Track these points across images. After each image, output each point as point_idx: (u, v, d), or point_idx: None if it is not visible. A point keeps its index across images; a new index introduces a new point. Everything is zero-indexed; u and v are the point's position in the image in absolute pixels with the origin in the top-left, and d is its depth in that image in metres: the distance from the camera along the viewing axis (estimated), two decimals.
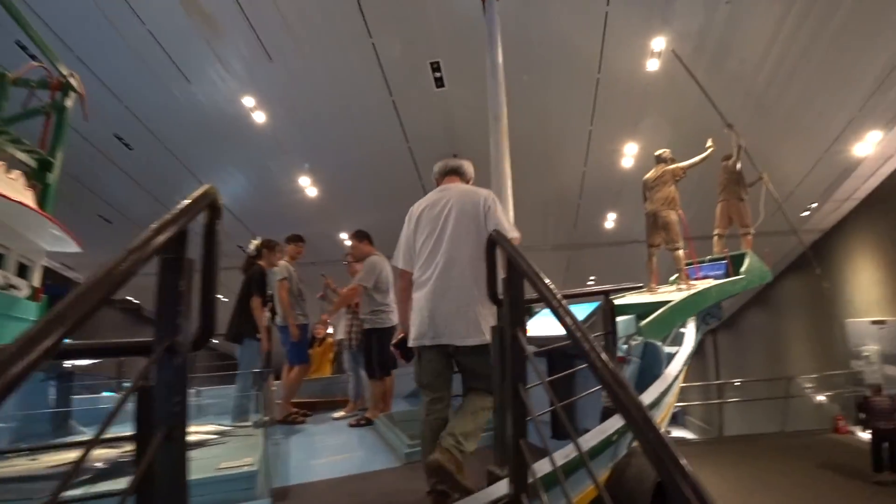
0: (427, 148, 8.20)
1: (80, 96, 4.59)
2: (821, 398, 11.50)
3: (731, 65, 6.97)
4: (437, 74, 6.80)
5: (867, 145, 8.73)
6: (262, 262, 4.57)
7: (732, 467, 7.93)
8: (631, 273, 12.96)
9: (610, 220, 10.73)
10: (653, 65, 6.78)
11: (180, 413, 1.07)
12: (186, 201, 1.16)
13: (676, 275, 6.36)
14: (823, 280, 10.54)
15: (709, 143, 5.95)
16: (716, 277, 5.75)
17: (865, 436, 8.09)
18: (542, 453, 1.59)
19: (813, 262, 10.02)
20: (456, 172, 2.66)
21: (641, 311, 4.49)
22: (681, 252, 5.20)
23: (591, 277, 12.86)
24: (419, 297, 2.28)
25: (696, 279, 5.61)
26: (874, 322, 10.54)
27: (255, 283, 4.45)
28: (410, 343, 2.31)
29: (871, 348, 10.72)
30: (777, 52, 6.90)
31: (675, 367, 3.07)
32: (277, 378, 5.09)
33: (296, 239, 4.87)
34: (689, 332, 4.02)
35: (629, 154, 8.65)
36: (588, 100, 7.44)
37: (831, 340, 11.84)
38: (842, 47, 6.73)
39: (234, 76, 7.01)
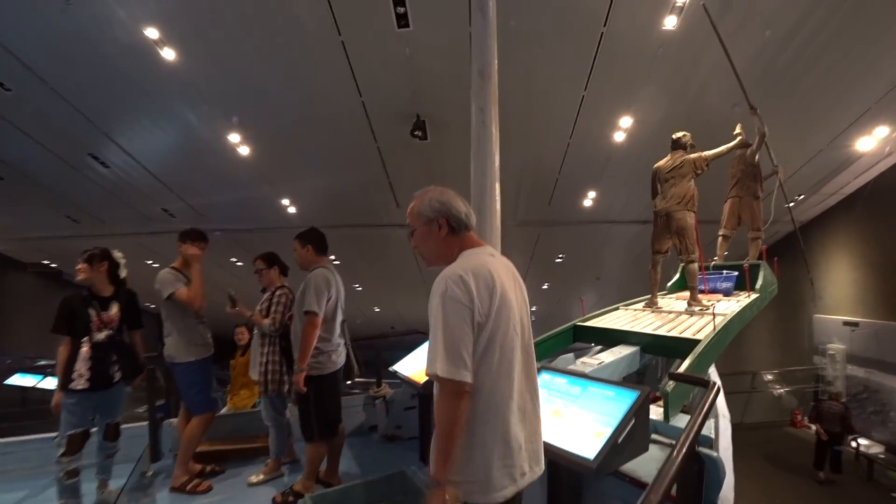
0: (384, 103, 6.68)
1: None
2: (781, 391, 11.42)
3: (758, 35, 5.81)
4: (401, 9, 5.23)
5: (871, 140, 8.20)
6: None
7: None
8: (601, 255, 12.43)
9: (588, 199, 9.70)
10: (671, 22, 5.50)
11: None
12: None
13: (672, 282, 5.48)
14: (811, 277, 10.21)
15: (737, 129, 4.88)
16: (725, 292, 4.83)
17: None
18: None
19: (807, 266, 9.56)
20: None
21: (647, 343, 3.49)
22: (695, 266, 4.16)
23: (560, 255, 12.03)
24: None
25: (704, 293, 4.66)
26: (847, 323, 10.32)
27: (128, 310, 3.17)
28: None
29: (836, 347, 10.62)
30: (808, 30, 5.85)
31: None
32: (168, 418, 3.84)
33: (194, 237, 3.35)
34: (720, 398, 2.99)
35: (622, 128, 7.49)
36: (587, 59, 6.12)
37: (796, 335, 11.72)
38: (870, 39, 6.01)
39: None
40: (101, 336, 2.97)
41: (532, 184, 8.92)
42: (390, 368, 3.72)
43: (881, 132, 8.07)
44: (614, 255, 12.27)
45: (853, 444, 8.39)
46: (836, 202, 10.67)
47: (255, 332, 3.50)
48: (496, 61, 2.92)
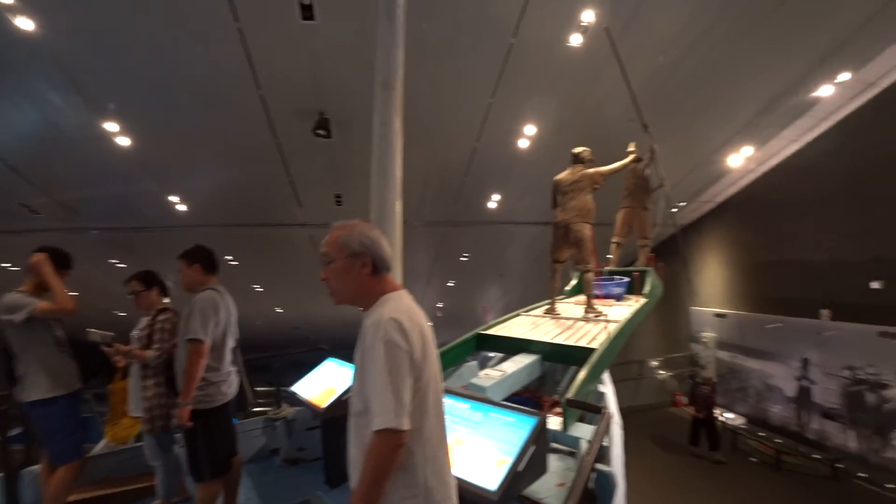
0: (286, 98, 6.26)
1: None
2: (664, 375, 12.69)
3: (652, 59, 6.34)
4: (306, 1, 4.93)
5: (739, 157, 9.45)
6: None
7: None
8: (505, 254, 12.88)
9: (493, 201, 9.96)
10: (576, 39, 5.77)
11: None
12: None
13: (570, 286, 5.81)
14: (690, 275, 11.39)
15: (631, 146, 5.26)
16: (617, 298, 5.21)
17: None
18: None
19: (688, 267, 10.67)
20: None
21: (547, 351, 3.64)
22: (591, 275, 4.42)
23: (465, 254, 12.26)
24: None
25: (599, 298, 4.98)
26: (717, 314, 11.71)
27: None
28: None
29: (708, 335, 11.98)
30: (693, 59, 6.55)
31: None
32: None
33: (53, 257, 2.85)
34: (611, 400, 3.21)
35: (526, 135, 7.76)
36: (495, 67, 6.23)
37: (676, 325, 13.04)
38: (742, 71, 6.92)
39: None
40: None
41: (439, 185, 8.96)
42: (290, 389, 3.51)
43: (747, 151, 9.33)
44: (517, 254, 12.75)
45: (720, 419, 9.49)
46: (710, 209, 12.01)
47: (135, 363, 3.10)
48: (402, 72, 2.83)
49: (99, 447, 4.16)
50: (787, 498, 7.29)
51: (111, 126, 6.33)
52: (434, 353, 1.56)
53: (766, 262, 10.50)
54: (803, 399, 9.26)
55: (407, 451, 1.40)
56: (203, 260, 2.93)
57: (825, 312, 8.80)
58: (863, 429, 8.06)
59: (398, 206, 2.71)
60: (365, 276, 1.55)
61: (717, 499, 7.36)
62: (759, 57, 6.68)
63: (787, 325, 9.62)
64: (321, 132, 6.42)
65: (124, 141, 6.56)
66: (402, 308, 1.50)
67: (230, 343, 2.93)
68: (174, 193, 7.81)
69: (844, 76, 7.31)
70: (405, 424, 1.36)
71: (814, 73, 7.22)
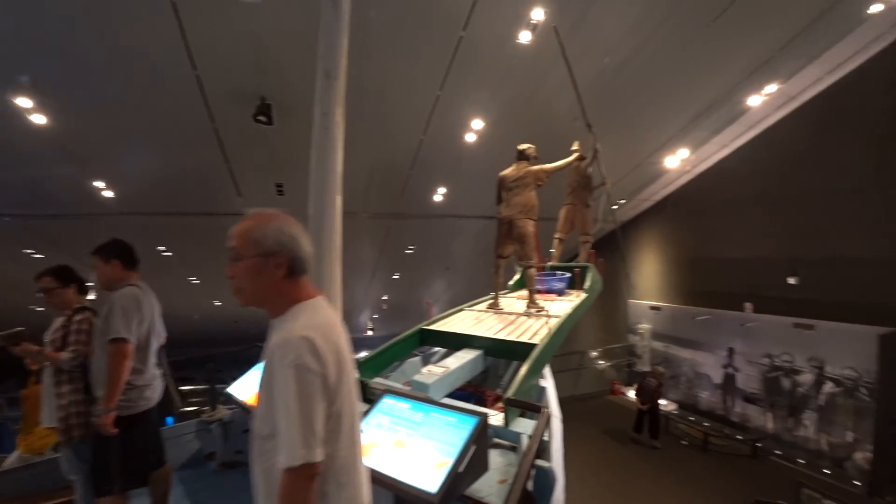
0: (224, 81, 5.88)
1: None
2: (603, 365, 13.27)
3: (598, 61, 6.53)
4: None
5: (675, 159, 9.99)
6: None
7: None
8: (451, 247, 12.93)
9: (439, 194, 9.94)
10: (525, 37, 5.82)
11: None
12: None
13: (513, 281, 5.90)
14: (629, 270, 11.90)
15: (575, 145, 5.38)
16: (559, 293, 5.35)
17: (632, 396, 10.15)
18: None
19: (626, 263, 11.12)
20: None
21: (489, 346, 3.67)
22: (534, 270, 4.50)
23: (411, 246, 12.21)
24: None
25: (541, 293, 5.10)
26: (652, 307, 12.36)
27: None
28: None
29: (644, 326, 12.63)
30: (636, 63, 6.79)
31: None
32: None
33: None
34: (551, 394, 3.28)
35: (473, 129, 7.78)
36: (444, 60, 6.18)
37: (615, 317, 13.64)
38: (684, 75, 7.27)
39: None
40: None
41: (385, 176, 8.82)
42: (226, 391, 3.34)
43: (683, 153, 9.87)
44: (463, 247, 12.83)
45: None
46: (647, 207, 12.62)
47: (47, 367, 2.83)
48: (345, 61, 2.72)
49: (11, 459, 3.80)
50: (713, 477, 7.85)
51: (23, 101, 5.71)
52: (351, 373, 1.41)
53: (697, 259, 11.19)
54: (728, 385, 9.98)
55: (319, 479, 1.28)
56: (122, 255, 2.71)
57: (748, 305, 9.51)
58: (779, 411, 8.82)
59: (338, 200, 2.61)
60: (278, 278, 1.36)
61: (652, 481, 7.81)
62: (697, 65, 7.05)
63: (715, 317, 10.31)
64: (262, 118, 6.10)
65: (39, 119, 5.95)
66: (318, 323, 1.34)
67: (154, 344, 2.75)
68: (99, 178, 7.19)
69: (771, 88, 7.88)
70: (318, 456, 1.23)
71: (744, 84, 7.73)
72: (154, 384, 2.73)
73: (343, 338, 1.41)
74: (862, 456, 7.40)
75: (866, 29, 6.85)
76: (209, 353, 5.16)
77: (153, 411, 2.73)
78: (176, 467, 3.60)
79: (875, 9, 6.36)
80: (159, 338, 2.83)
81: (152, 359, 2.73)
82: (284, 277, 1.37)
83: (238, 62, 5.71)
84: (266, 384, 1.31)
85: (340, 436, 1.34)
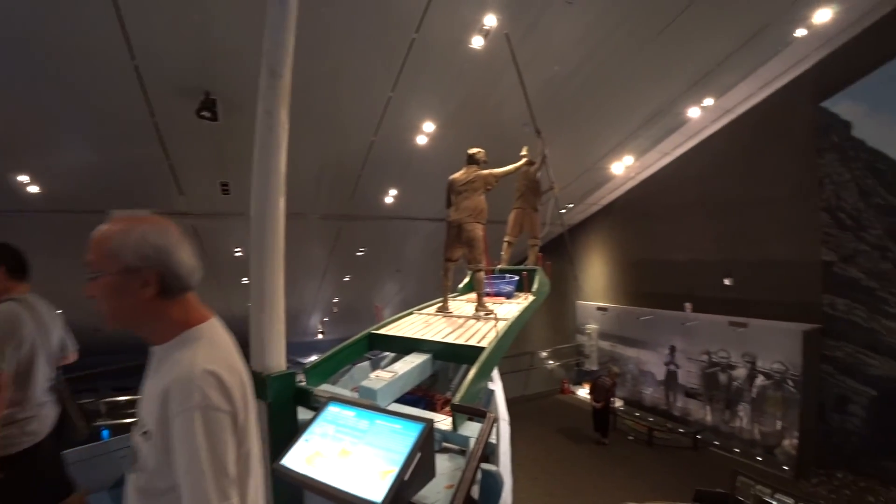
0: (165, 73, 5.52)
1: None
2: (552, 364, 13.61)
3: (548, 69, 6.69)
4: None
5: (621, 166, 10.39)
6: None
7: None
8: (402, 249, 12.87)
9: (389, 196, 9.86)
10: (478, 42, 5.88)
11: None
12: None
13: (463, 283, 5.93)
14: (576, 272, 12.33)
15: (524, 151, 5.47)
16: (507, 296, 5.41)
17: (584, 394, 10.60)
18: None
19: (574, 266, 11.44)
20: None
21: (438, 350, 3.66)
22: (482, 274, 4.53)
23: (362, 248, 12.10)
24: None
25: (490, 296, 5.15)
26: (599, 308, 12.80)
27: None
28: None
29: (592, 327, 13.07)
30: (585, 72, 7.03)
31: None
32: None
33: None
34: (499, 397, 3.31)
35: (425, 132, 7.77)
36: (396, 61, 6.13)
37: (563, 318, 14.04)
38: (630, 86, 7.59)
39: None
40: None
41: (335, 177, 8.64)
42: None
43: (628, 160, 10.29)
44: (413, 249, 12.80)
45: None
46: (594, 211, 13.07)
47: None
48: (290, 59, 2.63)
49: None
50: (658, 469, 8.24)
51: None
52: (253, 405, 1.26)
53: (641, 261, 11.71)
54: (670, 381, 10.51)
55: None
56: (8, 261, 2.31)
57: (688, 305, 10.06)
58: (716, 404, 9.38)
59: (281, 202, 2.51)
60: (146, 299, 1.13)
61: (601, 475, 8.09)
62: (642, 76, 7.37)
63: (658, 317, 10.83)
64: (206, 114, 5.80)
65: None
66: (219, 353, 1.17)
67: (43, 368, 2.35)
68: (23, 172, 6.59)
69: (708, 101, 8.38)
70: (234, 501, 1.09)
71: (685, 96, 8.17)
72: (41, 414, 2.34)
73: (244, 366, 1.26)
74: (789, 443, 7.99)
75: (792, 51, 7.43)
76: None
77: (44, 444, 2.34)
78: (109, 486, 3.36)
79: (800, 33, 6.90)
80: (57, 358, 2.47)
81: (39, 386, 2.33)
82: (155, 297, 1.15)
83: (181, 54, 5.40)
84: (159, 432, 1.09)
85: (249, 479, 1.20)
